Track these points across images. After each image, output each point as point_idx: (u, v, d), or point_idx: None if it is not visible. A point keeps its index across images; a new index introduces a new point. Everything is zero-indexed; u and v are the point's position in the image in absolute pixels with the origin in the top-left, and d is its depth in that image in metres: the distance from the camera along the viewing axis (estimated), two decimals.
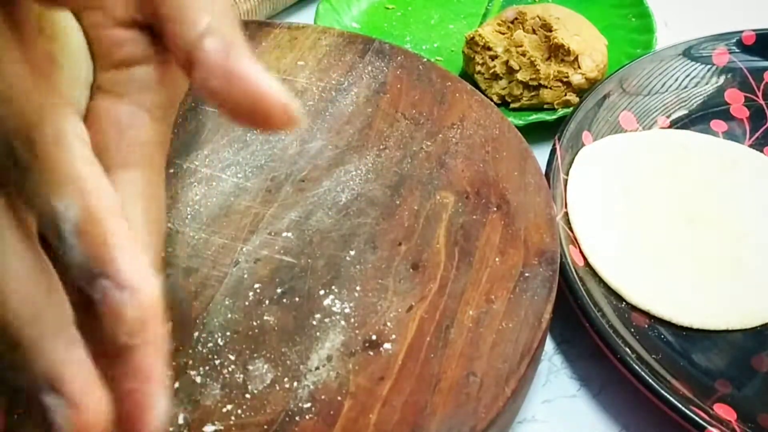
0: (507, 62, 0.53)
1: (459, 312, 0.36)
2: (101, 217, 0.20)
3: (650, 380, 0.36)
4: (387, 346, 0.35)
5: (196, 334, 0.35)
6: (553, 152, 0.47)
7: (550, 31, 0.53)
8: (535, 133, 0.50)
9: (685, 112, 0.52)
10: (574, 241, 0.44)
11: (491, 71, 0.54)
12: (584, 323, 0.39)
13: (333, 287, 0.37)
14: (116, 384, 0.20)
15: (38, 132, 0.20)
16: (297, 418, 0.32)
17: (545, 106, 0.54)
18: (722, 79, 0.54)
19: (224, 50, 0.22)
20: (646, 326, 0.41)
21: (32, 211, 0.20)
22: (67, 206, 0.20)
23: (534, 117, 0.52)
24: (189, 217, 0.40)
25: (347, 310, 0.36)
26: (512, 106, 0.54)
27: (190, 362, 0.34)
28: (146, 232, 0.23)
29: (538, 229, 0.39)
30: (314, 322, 0.36)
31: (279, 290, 0.37)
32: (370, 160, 0.43)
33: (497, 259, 0.38)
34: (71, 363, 0.20)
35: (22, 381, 0.20)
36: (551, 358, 0.42)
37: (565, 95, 0.53)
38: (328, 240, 0.39)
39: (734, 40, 0.55)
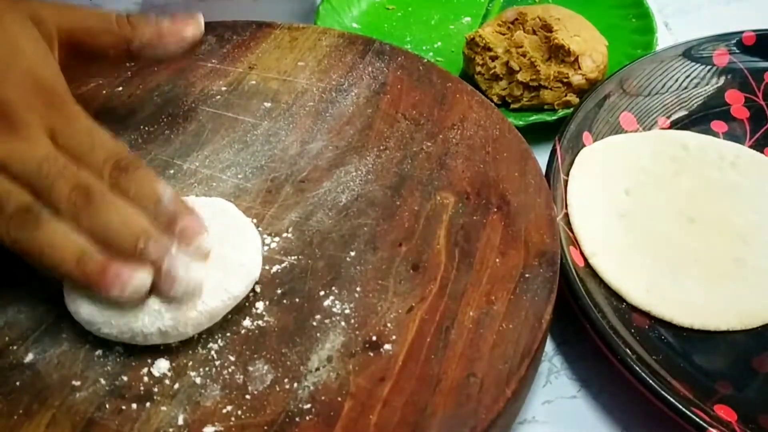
0: (507, 63, 0.53)
1: (459, 313, 0.36)
2: None
3: (651, 381, 0.36)
4: (387, 346, 0.35)
5: (196, 335, 0.35)
6: (553, 153, 0.47)
7: (551, 31, 0.53)
8: (536, 133, 0.50)
9: (686, 112, 0.52)
10: (575, 242, 0.44)
11: (491, 72, 0.54)
12: (585, 324, 0.39)
13: (333, 288, 0.37)
14: None
15: None
16: (297, 419, 0.32)
17: (545, 107, 0.54)
18: (722, 79, 0.54)
19: None
20: (647, 327, 0.41)
21: None
22: None
23: (534, 118, 0.52)
24: None
25: (347, 311, 0.36)
26: (512, 106, 0.54)
27: (190, 363, 0.34)
28: None
29: (538, 229, 0.39)
30: (314, 323, 0.36)
31: (279, 291, 0.37)
32: (370, 160, 0.43)
33: (498, 260, 0.38)
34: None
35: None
36: (552, 359, 0.42)
37: (566, 96, 0.53)
38: (328, 241, 0.39)
39: (734, 41, 0.55)
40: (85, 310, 0.34)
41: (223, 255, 0.36)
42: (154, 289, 0.34)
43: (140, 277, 0.34)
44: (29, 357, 0.35)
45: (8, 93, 0.36)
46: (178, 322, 0.34)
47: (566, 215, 0.45)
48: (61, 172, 0.35)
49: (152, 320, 0.34)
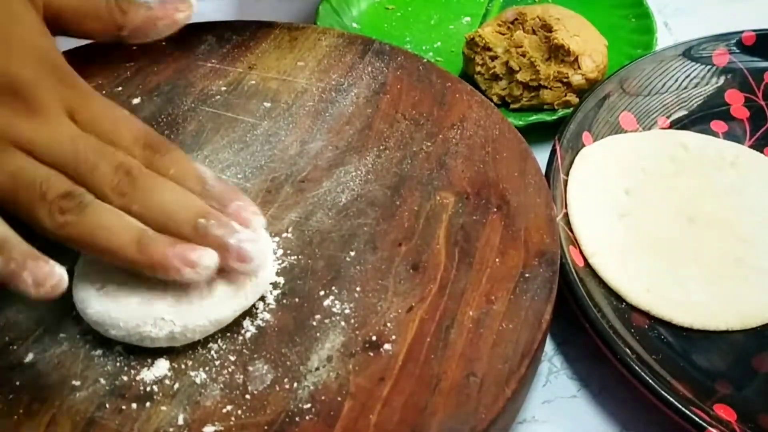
0: (507, 63, 0.53)
1: (459, 313, 0.36)
2: None
3: (650, 381, 0.36)
4: (387, 346, 0.35)
5: None
6: (553, 153, 0.47)
7: (550, 31, 0.53)
8: (535, 133, 0.50)
9: (685, 112, 0.52)
10: (574, 242, 0.44)
11: (491, 72, 0.54)
12: (584, 324, 0.39)
13: (333, 288, 0.37)
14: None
15: None
16: (297, 419, 0.32)
17: (545, 107, 0.54)
18: (722, 79, 0.54)
19: None
20: (646, 327, 0.41)
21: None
22: None
23: (534, 117, 0.52)
24: None
25: (347, 311, 0.36)
26: (512, 106, 0.54)
27: (190, 363, 0.34)
28: None
29: (538, 229, 0.39)
30: (314, 323, 0.36)
31: (279, 291, 0.37)
32: (370, 160, 0.43)
33: (497, 260, 0.38)
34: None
35: None
36: (551, 358, 0.42)
37: (565, 96, 0.53)
38: (328, 240, 0.39)
39: (734, 41, 0.55)
40: (93, 311, 0.34)
41: None
42: (164, 297, 0.34)
43: (210, 257, 0.32)
44: (29, 357, 0.34)
45: (19, 70, 0.33)
46: (186, 329, 0.34)
47: (566, 215, 0.45)
48: (99, 152, 0.33)
49: (161, 326, 0.33)
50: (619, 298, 0.42)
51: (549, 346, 0.42)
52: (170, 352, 0.35)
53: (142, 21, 0.38)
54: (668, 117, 0.52)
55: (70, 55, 0.50)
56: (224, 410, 0.33)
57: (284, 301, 0.37)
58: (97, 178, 0.33)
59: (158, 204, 0.33)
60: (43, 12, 0.36)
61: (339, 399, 0.33)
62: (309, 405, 0.33)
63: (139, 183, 0.33)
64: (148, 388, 0.33)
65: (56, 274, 0.30)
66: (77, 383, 0.34)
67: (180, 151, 0.35)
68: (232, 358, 0.34)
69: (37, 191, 0.32)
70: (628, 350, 0.38)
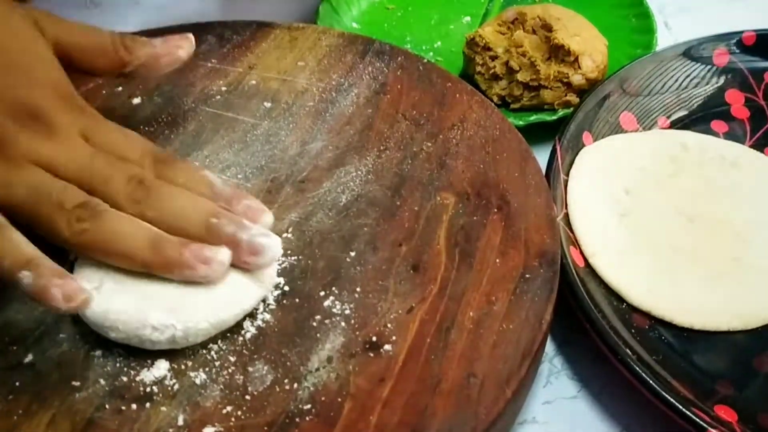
0: (507, 63, 0.53)
1: (459, 313, 0.36)
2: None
3: (651, 381, 0.36)
4: (387, 347, 0.35)
5: None
6: (553, 153, 0.47)
7: (551, 31, 0.53)
8: (536, 133, 0.50)
9: (686, 112, 0.52)
10: (575, 242, 0.44)
11: (491, 72, 0.54)
12: (585, 324, 0.39)
13: (333, 288, 0.37)
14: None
15: None
16: (297, 420, 0.32)
17: (545, 107, 0.54)
18: (722, 79, 0.54)
19: None
20: (647, 327, 0.41)
21: None
22: None
23: (534, 117, 0.52)
24: None
25: (347, 312, 0.36)
26: (512, 106, 0.54)
27: (190, 364, 0.34)
28: None
29: (538, 230, 0.39)
30: (314, 324, 0.36)
31: (279, 291, 0.37)
32: (370, 160, 0.43)
33: (498, 261, 0.38)
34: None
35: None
36: (552, 359, 0.42)
37: (566, 96, 0.53)
38: (328, 241, 0.39)
39: (735, 41, 0.55)
40: (92, 313, 0.34)
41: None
42: (163, 299, 0.34)
43: (223, 253, 0.34)
44: (29, 357, 0.34)
45: (39, 98, 0.36)
46: (188, 332, 0.34)
47: (566, 215, 0.45)
48: (113, 166, 0.36)
49: (162, 330, 0.33)
50: (619, 299, 0.42)
51: (549, 347, 0.42)
52: (170, 352, 0.34)
53: (146, 58, 0.40)
54: (668, 117, 0.52)
55: None
56: (224, 411, 0.33)
57: (284, 301, 0.37)
58: (111, 188, 0.35)
59: (171, 208, 0.35)
60: (53, 49, 0.39)
61: (339, 400, 0.33)
62: (309, 406, 0.33)
63: (152, 191, 0.35)
64: (148, 389, 0.33)
65: (85, 290, 0.32)
66: (77, 383, 0.34)
67: (187, 162, 0.38)
68: (232, 359, 0.34)
69: (55, 202, 0.34)
70: (628, 351, 0.38)
